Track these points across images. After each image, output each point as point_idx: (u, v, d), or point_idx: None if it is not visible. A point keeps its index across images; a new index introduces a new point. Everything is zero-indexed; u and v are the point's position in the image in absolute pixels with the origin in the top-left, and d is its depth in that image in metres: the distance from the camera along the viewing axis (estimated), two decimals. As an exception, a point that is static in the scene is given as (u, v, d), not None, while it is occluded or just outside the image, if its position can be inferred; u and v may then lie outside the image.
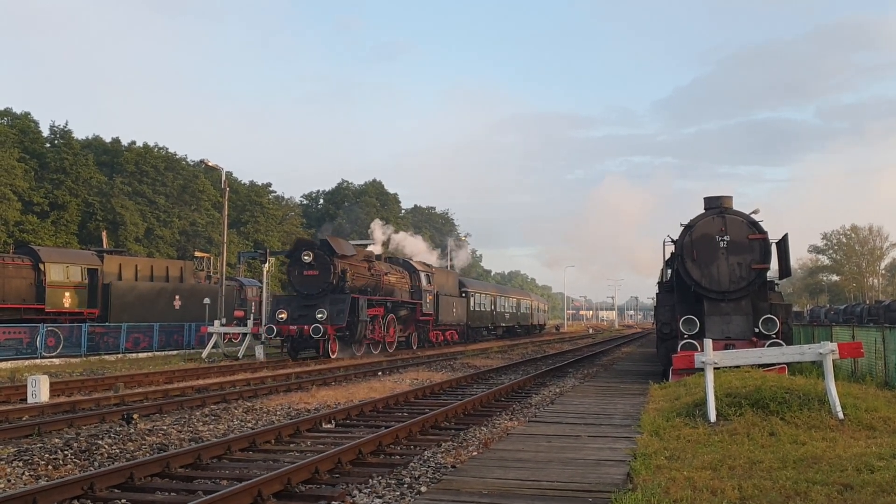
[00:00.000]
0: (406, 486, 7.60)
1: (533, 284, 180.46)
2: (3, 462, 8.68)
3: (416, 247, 62.12)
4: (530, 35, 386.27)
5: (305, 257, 27.59)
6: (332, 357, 26.70)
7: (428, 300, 36.33)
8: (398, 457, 9.41)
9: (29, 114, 55.28)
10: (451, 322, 40.25)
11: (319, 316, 26.08)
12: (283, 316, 26.83)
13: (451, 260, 68.55)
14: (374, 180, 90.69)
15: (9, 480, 7.93)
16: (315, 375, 20.58)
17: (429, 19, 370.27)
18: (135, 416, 12.32)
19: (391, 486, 7.65)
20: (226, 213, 34.65)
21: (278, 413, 13.19)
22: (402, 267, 35.86)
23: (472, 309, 44.76)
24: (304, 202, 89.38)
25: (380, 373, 21.86)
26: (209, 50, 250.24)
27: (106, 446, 9.71)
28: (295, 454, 9.64)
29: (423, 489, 7.27)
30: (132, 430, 10.96)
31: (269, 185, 76.08)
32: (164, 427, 11.38)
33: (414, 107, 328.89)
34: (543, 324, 73.16)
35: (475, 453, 8.91)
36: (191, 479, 8.25)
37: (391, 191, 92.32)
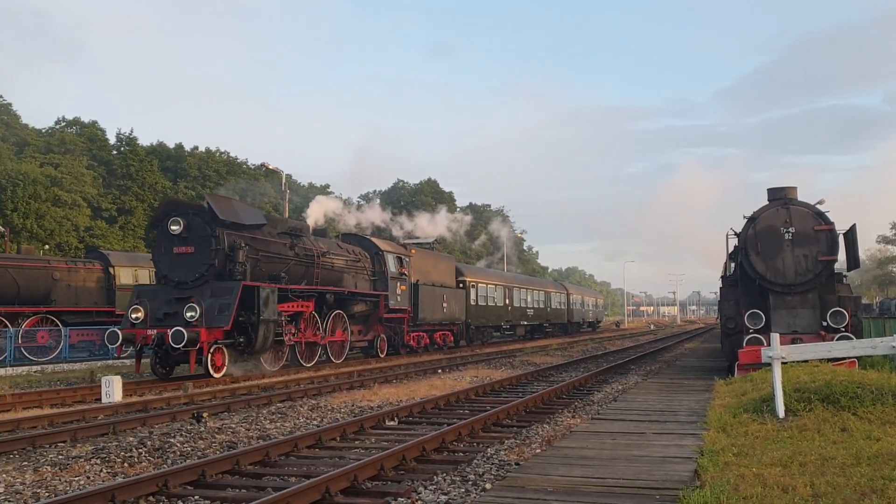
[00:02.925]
0: (471, 482, 7.64)
1: (591, 280, 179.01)
2: (83, 460, 9.01)
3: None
4: (585, 29, 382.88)
5: (174, 227, 18.93)
6: (217, 376, 18.45)
7: (399, 291, 27.53)
8: (462, 454, 9.45)
9: (96, 122, 57.30)
10: (442, 320, 31.99)
11: (189, 315, 17.83)
12: (139, 315, 18.41)
13: (504, 258, 68.27)
14: (430, 179, 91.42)
15: (88, 477, 8.23)
16: (377, 373, 20.84)
17: (482, 16, 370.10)
18: (204, 414, 12.61)
19: (456, 482, 7.69)
20: (286, 215, 35.26)
21: (342, 410, 13.38)
22: (357, 246, 26.64)
23: (473, 303, 36.70)
24: (362, 203, 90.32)
25: (439, 370, 21.98)
26: (269, 54, 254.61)
27: (178, 444, 9.98)
28: (360, 451, 9.75)
29: (488, 486, 7.29)
30: (202, 429, 11.23)
31: (328, 186, 77.23)
32: (233, 425, 11.63)
33: (469, 104, 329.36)
34: (597, 321, 67.95)
35: (538, 451, 8.89)
36: (260, 476, 8.42)
37: (446, 189, 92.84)
